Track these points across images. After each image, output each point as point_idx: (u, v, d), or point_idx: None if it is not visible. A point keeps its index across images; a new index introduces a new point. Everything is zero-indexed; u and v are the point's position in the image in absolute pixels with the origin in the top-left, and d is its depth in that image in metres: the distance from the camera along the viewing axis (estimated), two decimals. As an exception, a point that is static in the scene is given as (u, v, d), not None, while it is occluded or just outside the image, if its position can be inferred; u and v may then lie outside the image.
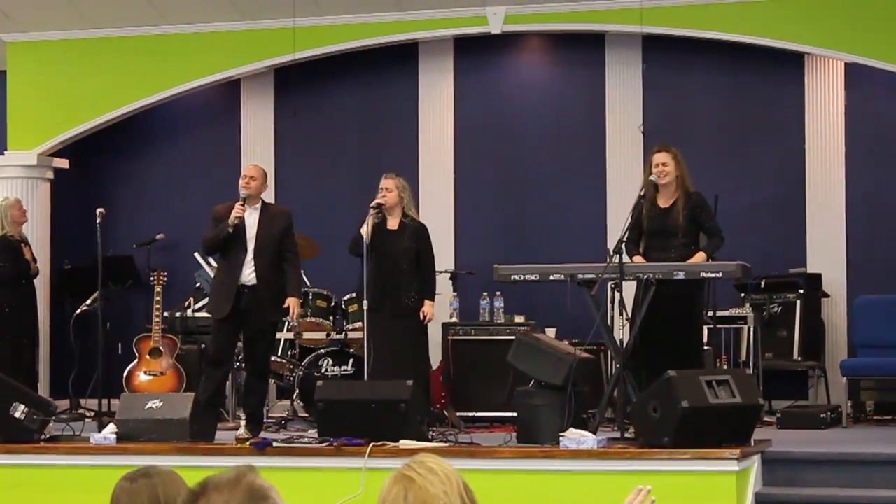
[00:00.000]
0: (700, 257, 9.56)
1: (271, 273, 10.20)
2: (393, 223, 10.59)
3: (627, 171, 12.59)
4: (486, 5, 12.50)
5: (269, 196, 13.14)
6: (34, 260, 12.29)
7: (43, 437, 9.42)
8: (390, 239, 10.53)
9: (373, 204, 10.52)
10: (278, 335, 11.90)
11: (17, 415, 9.27)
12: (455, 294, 12.11)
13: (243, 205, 10.18)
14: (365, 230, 10.41)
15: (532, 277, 9.58)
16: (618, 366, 9.27)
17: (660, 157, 9.85)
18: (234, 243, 10.20)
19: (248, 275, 10.15)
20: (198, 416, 9.34)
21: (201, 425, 9.36)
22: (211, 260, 10.99)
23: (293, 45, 12.78)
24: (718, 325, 11.32)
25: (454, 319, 11.85)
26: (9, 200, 12.26)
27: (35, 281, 12.36)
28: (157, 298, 12.20)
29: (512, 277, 9.62)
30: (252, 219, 10.24)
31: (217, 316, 10.34)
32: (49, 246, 13.39)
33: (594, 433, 8.63)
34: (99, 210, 10.74)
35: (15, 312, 11.97)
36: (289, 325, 11.28)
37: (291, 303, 10.15)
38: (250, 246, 10.18)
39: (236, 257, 10.19)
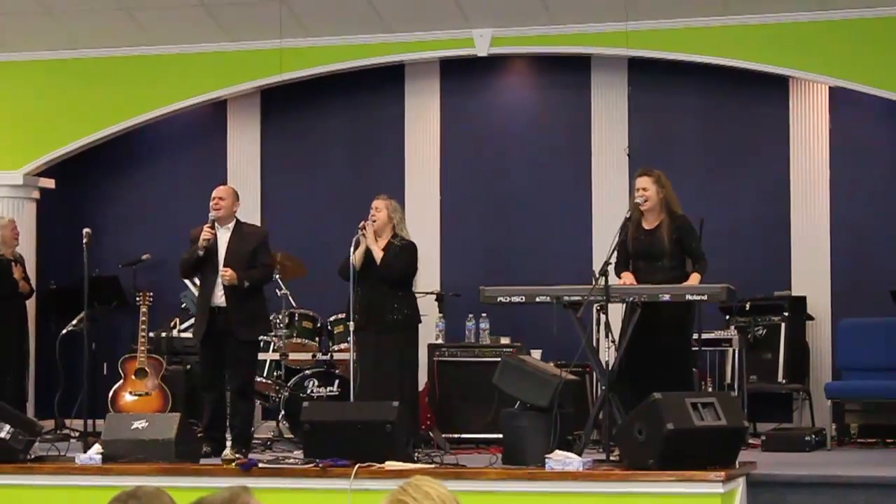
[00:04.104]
0: (695, 279, 9.57)
1: (242, 293, 10.26)
2: (381, 244, 10.61)
3: (613, 193, 12.61)
4: (473, 27, 12.54)
5: (254, 216, 13.19)
6: (27, 279, 12.28)
7: (28, 457, 9.39)
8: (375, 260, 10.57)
9: (360, 225, 10.57)
10: (263, 356, 11.92)
11: (2, 435, 9.25)
12: (441, 315, 12.10)
13: (212, 227, 10.29)
14: (354, 257, 10.47)
15: (518, 299, 9.60)
16: (603, 388, 9.28)
17: (640, 182, 9.86)
18: (207, 265, 10.34)
19: (220, 296, 10.27)
20: (183, 436, 9.33)
21: (187, 446, 9.36)
22: (197, 280, 11.02)
23: (280, 67, 12.80)
24: (703, 348, 11.33)
25: (440, 341, 11.85)
26: (3, 220, 12.28)
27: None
28: (143, 319, 12.21)
29: (498, 299, 9.63)
30: (223, 239, 10.35)
31: (196, 338, 10.50)
32: (35, 266, 13.36)
33: (579, 455, 8.63)
34: (85, 230, 10.74)
35: (1, 331, 11.95)
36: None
37: (231, 272, 10.18)
38: (220, 267, 10.26)
39: (209, 279, 10.33)
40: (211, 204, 10.42)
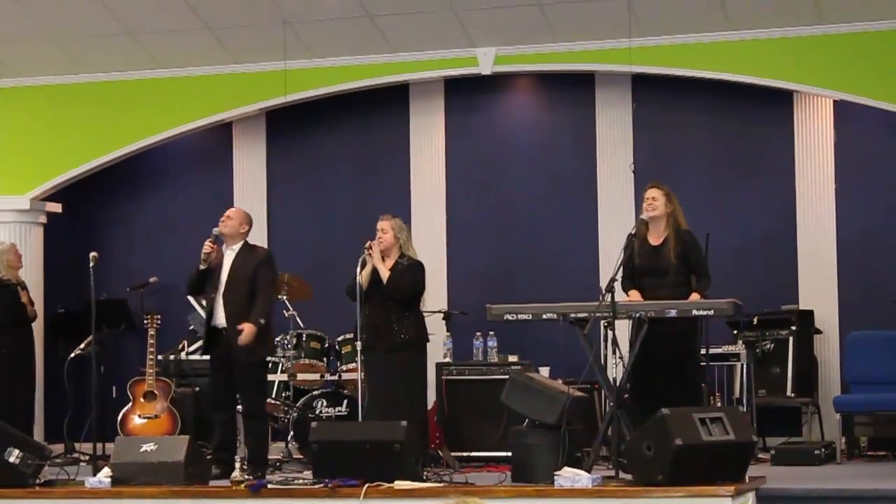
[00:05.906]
0: (695, 298, 9.58)
1: (242, 313, 10.21)
2: (388, 264, 10.60)
3: (618, 209, 12.63)
4: (477, 46, 12.56)
5: (261, 237, 13.21)
6: (31, 304, 12.29)
7: (38, 481, 9.37)
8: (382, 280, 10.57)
9: (367, 245, 10.56)
10: (272, 377, 11.92)
11: (11, 459, 9.23)
12: (448, 334, 12.10)
13: (213, 242, 10.31)
14: (361, 276, 10.46)
15: (525, 317, 9.58)
16: (611, 404, 9.28)
17: (650, 192, 9.95)
18: (210, 284, 10.33)
19: (220, 315, 10.25)
20: (192, 458, 9.33)
21: (196, 468, 9.35)
22: (204, 302, 11.03)
23: (284, 88, 12.82)
24: (711, 363, 11.33)
25: (448, 359, 11.84)
26: (4, 245, 12.27)
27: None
28: (151, 342, 12.22)
29: (505, 317, 9.62)
30: (228, 259, 10.35)
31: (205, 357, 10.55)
32: (42, 290, 13.38)
33: (589, 472, 8.62)
34: (92, 254, 10.74)
35: (11, 356, 11.94)
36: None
37: (246, 326, 10.11)
38: (221, 286, 10.26)
39: (211, 298, 10.31)
40: (220, 221, 10.46)
